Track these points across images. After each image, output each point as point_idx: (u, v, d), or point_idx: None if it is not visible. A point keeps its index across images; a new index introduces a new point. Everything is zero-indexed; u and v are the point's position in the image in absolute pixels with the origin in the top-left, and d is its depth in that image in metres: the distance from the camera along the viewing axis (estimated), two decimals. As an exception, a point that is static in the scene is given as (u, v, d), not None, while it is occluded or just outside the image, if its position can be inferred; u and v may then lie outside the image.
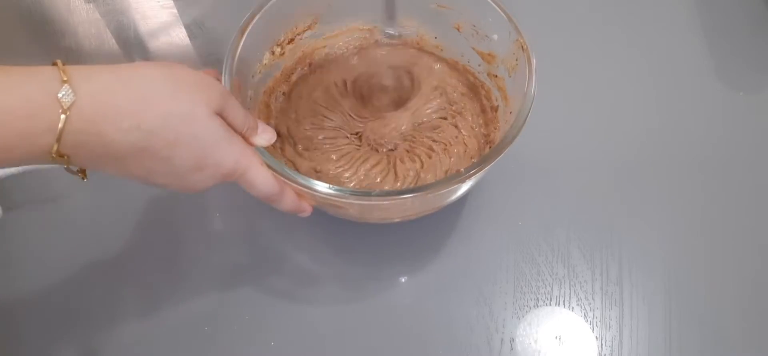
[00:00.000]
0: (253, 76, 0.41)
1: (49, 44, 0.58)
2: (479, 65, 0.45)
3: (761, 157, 0.47)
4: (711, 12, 0.58)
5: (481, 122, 0.45)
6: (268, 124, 0.41)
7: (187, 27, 0.59)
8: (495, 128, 0.43)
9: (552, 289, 0.41)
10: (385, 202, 0.34)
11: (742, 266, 0.42)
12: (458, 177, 0.33)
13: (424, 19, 0.47)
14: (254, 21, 0.39)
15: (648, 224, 0.44)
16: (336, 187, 0.32)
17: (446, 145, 0.43)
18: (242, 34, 0.38)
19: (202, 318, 0.40)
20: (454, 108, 0.45)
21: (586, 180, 0.46)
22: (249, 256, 0.43)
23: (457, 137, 0.43)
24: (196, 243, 0.44)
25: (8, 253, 0.43)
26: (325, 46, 0.47)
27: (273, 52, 0.43)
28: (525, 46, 0.38)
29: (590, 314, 0.40)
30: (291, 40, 0.44)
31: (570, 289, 0.41)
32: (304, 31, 0.45)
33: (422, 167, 0.41)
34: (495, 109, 0.44)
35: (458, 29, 0.45)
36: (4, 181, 0.39)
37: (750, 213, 0.44)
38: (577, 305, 0.40)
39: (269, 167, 0.33)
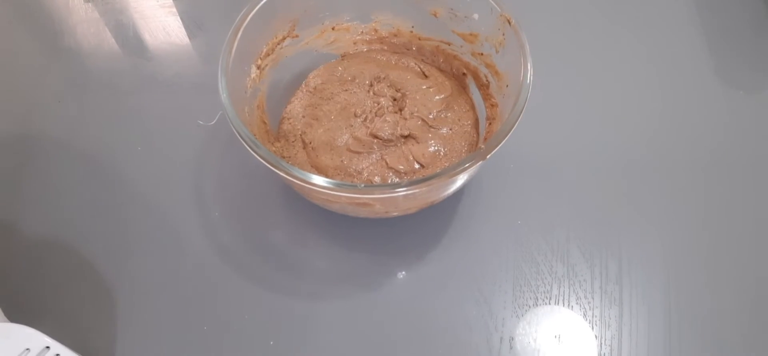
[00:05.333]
0: (245, 92, 0.41)
1: (48, 44, 0.59)
2: (461, 47, 0.45)
3: (761, 157, 0.47)
4: (711, 12, 0.58)
5: (473, 105, 0.45)
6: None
7: (187, 27, 0.59)
8: (492, 105, 0.43)
9: (551, 288, 0.41)
10: (401, 193, 0.33)
11: (742, 265, 0.42)
12: (473, 158, 0.33)
13: (399, 11, 0.47)
14: (238, 37, 0.39)
15: (648, 223, 0.44)
16: (327, 181, 0.32)
17: (454, 130, 0.43)
18: (229, 52, 0.38)
19: (201, 317, 0.40)
20: (448, 97, 0.45)
21: (585, 179, 0.46)
22: (246, 254, 0.43)
23: (459, 120, 0.44)
24: (193, 242, 0.44)
25: None
26: (308, 45, 0.47)
27: (259, 66, 0.43)
28: (510, 20, 0.38)
29: (589, 313, 0.40)
30: (273, 50, 0.44)
31: (569, 288, 0.41)
32: (284, 39, 0.45)
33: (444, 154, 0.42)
34: (486, 86, 0.44)
35: (435, 15, 0.45)
36: None
37: (750, 213, 0.44)
38: (577, 304, 0.40)
39: (269, 161, 0.33)
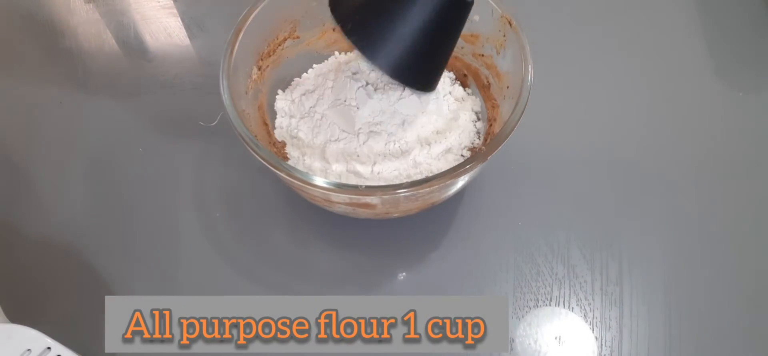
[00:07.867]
0: (246, 93, 0.41)
1: (49, 45, 0.59)
2: (462, 48, 0.45)
3: (761, 157, 0.47)
4: (711, 12, 0.58)
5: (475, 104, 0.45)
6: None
7: (187, 27, 0.59)
8: (493, 106, 0.43)
9: (552, 289, 0.41)
10: (402, 194, 0.33)
11: (742, 266, 0.42)
12: (473, 160, 0.33)
13: None
14: (239, 38, 0.39)
15: (648, 224, 0.44)
16: (328, 181, 0.32)
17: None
18: (231, 53, 0.38)
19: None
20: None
21: (586, 180, 0.46)
22: (247, 255, 0.43)
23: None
24: (194, 243, 0.44)
25: None
26: (309, 46, 0.47)
27: (259, 67, 0.43)
28: (511, 21, 0.38)
29: (590, 314, 0.40)
30: (274, 51, 0.44)
31: (570, 289, 0.41)
32: (285, 40, 0.45)
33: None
34: (487, 87, 0.44)
35: None
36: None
37: (750, 213, 0.44)
38: (577, 305, 0.40)
39: (269, 162, 0.33)
